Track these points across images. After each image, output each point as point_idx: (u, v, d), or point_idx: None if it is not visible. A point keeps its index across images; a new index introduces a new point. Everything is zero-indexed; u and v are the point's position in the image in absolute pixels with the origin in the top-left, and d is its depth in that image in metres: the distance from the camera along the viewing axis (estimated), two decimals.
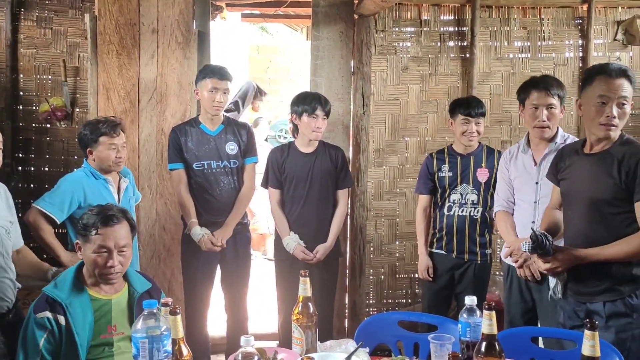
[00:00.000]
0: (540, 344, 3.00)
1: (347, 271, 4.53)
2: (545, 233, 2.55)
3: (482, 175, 3.60)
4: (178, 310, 1.89)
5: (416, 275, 4.33)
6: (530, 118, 3.13)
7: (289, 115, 3.79)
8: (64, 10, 4.29)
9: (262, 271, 5.69)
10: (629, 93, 2.48)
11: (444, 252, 3.67)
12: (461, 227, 3.61)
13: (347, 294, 4.55)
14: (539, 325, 3.17)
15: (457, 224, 3.62)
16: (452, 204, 3.64)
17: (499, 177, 3.42)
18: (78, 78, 4.29)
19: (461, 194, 3.62)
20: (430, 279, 3.70)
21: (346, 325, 4.53)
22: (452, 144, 3.75)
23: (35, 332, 2.30)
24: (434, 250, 3.73)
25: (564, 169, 2.73)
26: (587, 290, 2.57)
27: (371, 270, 4.58)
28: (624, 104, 2.48)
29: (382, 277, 4.61)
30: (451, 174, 3.64)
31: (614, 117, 2.46)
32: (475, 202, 3.60)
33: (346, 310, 4.56)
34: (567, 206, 2.70)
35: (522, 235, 3.11)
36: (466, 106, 3.59)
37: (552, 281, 2.68)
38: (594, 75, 2.54)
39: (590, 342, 1.70)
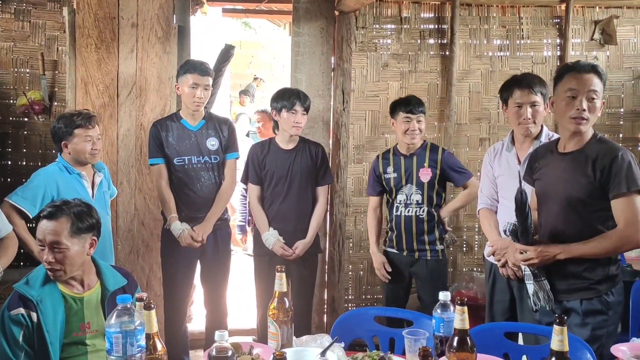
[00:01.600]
0: (521, 340, 3.05)
1: (326, 267, 4.55)
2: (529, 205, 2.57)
3: (425, 175, 3.65)
4: (152, 305, 1.89)
5: None
6: (514, 116, 3.14)
7: (257, 115, 3.79)
8: (42, 3, 4.25)
9: (242, 267, 5.69)
10: (599, 88, 2.50)
11: (396, 251, 3.73)
12: (408, 226, 3.67)
13: (326, 290, 4.57)
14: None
15: (404, 223, 3.68)
16: (398, 205, 3.70)
17: (482, 174, 3.44)
18: (56, 72, 4.26)
19: (406, 195, 3.68)
20: (389, 275, 3.75)
21: (325, 320, 4.55)
22: (397, 145, 3.79)
23: (13, 329, 2.28)
24: (387, 249, 3.79)
25: (538, 169, 2.76)
26: (564, 289, 2.60)
27: (350, 266, 4.61)
28: (593, 98, 2.50)
29: (361, 272, 4.64)
30: (396, 175, 3.70)
31: (584, 110, 2.48)
32: (420, 202, 3.65)
33: (325, 306, 4.58)
34: (543, 205, 2.73)
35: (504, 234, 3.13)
36: (407, 104, 3.63)
37: (530, 288, 2.70)
38: (563, 73, 2.58)
39: (559, 337, 1.73)
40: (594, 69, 2.52)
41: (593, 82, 2.49)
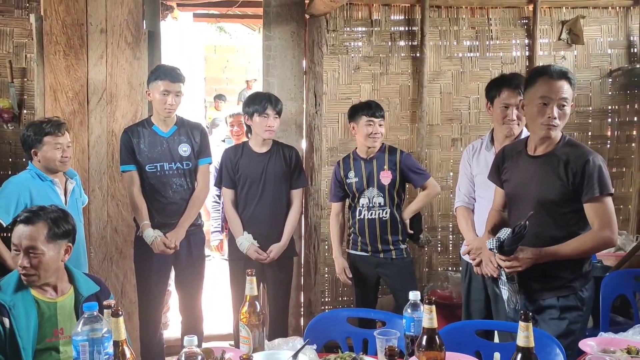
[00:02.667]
0: (497, 338, 3.07)
1: (302, 270, 4.55)
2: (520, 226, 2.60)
3: (386, 177, 3.70)
4: (120, 312, 1.88)
5: None
6: (499, 116, 3.17)
7: (229, 119, 3.79)
8: (9, 10, 4.20)
9: (220, 272, 5.67)
10: (569, 95, 2.56)
11: (361, 253, 3.77)
12: (372, 228, 3.71)
13: (302, 293, 4.57)
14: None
15: (368, 226, 3.71)
16: (361, 208, 3.74)
17: (460, 172, 3.48)
18: (25, 79, 4.20)
19: (369, 198, 3.72)
20: (349, 279, 3.80)
21: (302, 323, 4.55)
22: (356, 149, 3.82)
23: None
24: (352, 251, 3.83)
25: (507, 170, 2.80)
26: (540, 288, 2.64)
27: (326, 269, 4.61)
28: (564, 105, 2.56)
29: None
30: (357, 180, 3.73)
31: (555, 118, 2.54)
32: (382, 204, 3.70)
33: (302, 309, 4.58)
34: (514, 207, 2.77)
35: (481, 232, 3.16)
36: (368, 108, 3.68)
37: (505, 293, 2.73)
38: (536, 76, 2.62)
39: (524, 333, 1.75)
40: (565, 75, 2.57)
41: (564, 90, 2.55)
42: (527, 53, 4.71)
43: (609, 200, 2.54)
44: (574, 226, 2.59)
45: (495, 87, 3.21)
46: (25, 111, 4.21)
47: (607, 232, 2.52)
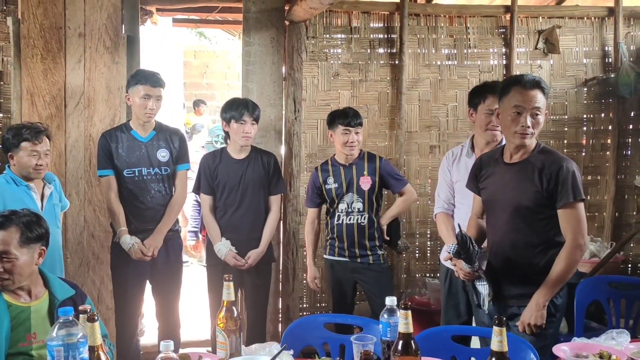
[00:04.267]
0: (477, 344, 3.09)
1: (281, 276, 4.55)
2: (470, 237, 2.66)
3: (365, 183, 3.72)
4: (96, 317, 1.87)
5: None
6: (483, 122, 3.19)
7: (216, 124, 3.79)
8: None
9: (197, 277, 5.65)
10: (542, 104, 2.61)
11: (338, 258, 3.78)
12: (350, 234, 3.73)
13: (280, 299, 4.57)
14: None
15: (346, 231, 3.74)
16: (340, 213, 3.75)
17: (440, 178, 3.50)
18: (1, 83, 4.15)
19: (347, 203, 3.74)
20: (318, 288, 3.84)
21: (280, 329, 4.55)
22: (334, 155, 3.85)
23: None
24: (329, 257, 3.84)
25: (484, 178, 2.84)
26: (516, 293, 2.68)
27: (304, 275, 4.59)
28: (537, 114, 2.60)
29: (316, 281, 4.64)
30: (337, 185, 3.75)
31: (529, 127, 2.58)
32: (361, 209, 3.72)
33: (280, 315, 4.58)
34: (491, 214, 2.81)
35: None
36: (345, 117, 3.69)
37: (482, 292, 2.77)
38: (510, 86, 2.66)
39: (498, 338, 1.77)
40: (538, 85, 2.61)
41: (537, 99, 2.59)
42: (504, 62, 4.77)
43: (581, 206, 2.59)
44: (550, 232, 2.63)
45: (479, 94, 3.23)
46: (1, 115, 4.16)
47: (580, 241, 2.57)
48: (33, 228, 2.43)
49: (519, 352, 2.35)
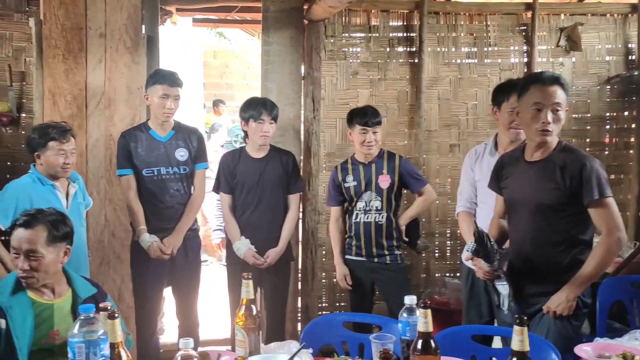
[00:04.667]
0: (499, 344, 3.07)
1: (299, 275, 4.55)
2: (488, 235, 2.63)
3: (384, 181, 3.69)
4: (116, 315, 1.88)
5: None
6: (507, 120, 3.15)
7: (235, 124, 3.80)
8: (9, 14, 4.21)
9: (217, 277, 5.65)
10: (562, 100, 2.57)
11: (356, 257, 3.76)
12: (367, 232, 3.70)
13: (299, 298, 4.57)
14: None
15: (363, 230, 3.71)
16: (358, 212, 3.73)
17: (462, 177, 3.47)
18: (24, 83, 4.21)
19: (365, 202, 3.71)
20: (350, 286, 3.79)
21: (299, 328, 4.55)
22: (354, 154, 3.82)
23: None
24: (347, 256, 3.81)
25: (505, 177, 2.81)
26: (538, 291, 2.66)
27: (323, 274, 4.61)
28: (557, 110, 2.56)
29: (335, 280, 4.60)
30: (356, 184, 3.72)
31: (549, 123, 2.55)
32: (379, 208, 3.69)
33: (299, 314, 4.58)
34: (512, 213, 2.78)
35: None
36: (362, 116, 3.66)
37: (501, 291, 2.75)
38: (529, 83, 2.63)
39: (519, 337, 1.75)
40: (557, 81, 2.58)
41: (557, 95, 2.56)
42: (525, 59, 4.72)
43: (610, 201, 2.55)
44: (572, 230, 2.60)
45: (503, 92, 3.19)
46: (23, 115, 4.22)
47: (616, 234, 2.53)
48: (59, 227, 2.46)
49: (540, 352, 2.32)
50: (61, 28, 3.94)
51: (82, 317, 1.87)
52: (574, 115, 4.70)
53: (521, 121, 2.70)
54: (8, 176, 4.08)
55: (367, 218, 3.70)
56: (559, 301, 2.57)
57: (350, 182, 3.73)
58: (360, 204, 3.71)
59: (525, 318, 1.78)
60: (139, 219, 3.61)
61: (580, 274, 2.57)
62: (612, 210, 2.55)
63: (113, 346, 1.87)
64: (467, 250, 2.71)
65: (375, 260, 3.71)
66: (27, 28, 4.13)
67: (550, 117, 2.55)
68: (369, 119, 3.63)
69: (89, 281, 2.62)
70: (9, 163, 4.26)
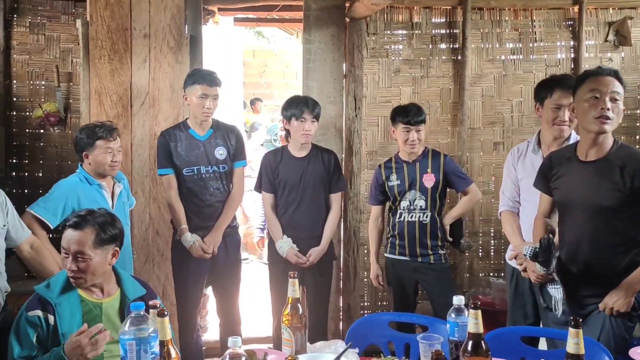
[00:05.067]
0: (544, 345, 3.01)
1: (341, 274, 4.53)
2: (554, 243, 2.55)
3: (429, 180, 3.64)
4: (166, 312, 1.89)
5: None
6: (550, 117, 3.07)
7: (281, 121, 3.80)
8: (56, 16, 4.32)
9: (257, 275, 5.69)
10: (621, 90, 2.49)
11: (399, 257, 3.72)
12: (411, 231, 3.66)
13: (341, 297, 4.56)
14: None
15: (407, 229, 3.67)
16: (402, 211, 3.69)
17: (505, 175, 3.40)
18: (71, 83, 4.31)
19: (410, 201, 3.67)
20: (381, 286, 3.79)
21: (341, 327, 4.54)
22: (398, 152, 3.78)
23: (27, 329, 2.32)
24: (390, 255, 3.78)
25: (556, 177, 2.72)
26: (594, 293, 2.58)
27: (365, 273, 4.59)
28: (617, 99, 2.47)
29: (379, 278, 4.61)
30: (399, 182, 3.68)
31: (608, 109, 2.45)
32: (423, 207, 3.65)
33: (341, 313, 4.57)
34: (566, 214, 2.70)
35: (527, 237, 3.09)
36: (405, 114, 3.61)
37: (555, 295, 2.68)
38: (584, 78, 2.57)
39: (574, 340, 1.71)
40: (615, 74, 2.51)
41: (615, 84, 2.48)
42: (572, 55, 4.62)
43: None
44: (632, 231, 2.52)
45: (546, 88, 3.10)
46: (71, 115, 4.32)
47: None
48: (107, 229, 2.47)
49: (593, 355, 2.26)
50: (107, 29, 4.00)
51: (132, 315, 1.89)
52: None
53: (577, 115, 2.61)
54: (56, 175, 4.19)
55: (412, 217, 3.67)
56: (617, 297, 2.49)
57: (394, 180, 3.70)
58: (404, 203, 3.68)
59: (581, 320, 1.74)
60: (180, 218, 3.64)
61: (632, 278, 2.49)
62: None
63: (163, 344, 1.89)
64: (525, 255, 2.63)
65: (419, 259, 3.67)
66: (74, 30, 4.22)
67: (609, 103, 2.45)
68: (411, 118, 3.59)
69: (138, 281, 2.64)
70: (56, 162, 4.37)
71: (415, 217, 3.66)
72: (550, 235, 2.60)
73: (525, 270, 2.96)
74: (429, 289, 3.70)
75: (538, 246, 2.56)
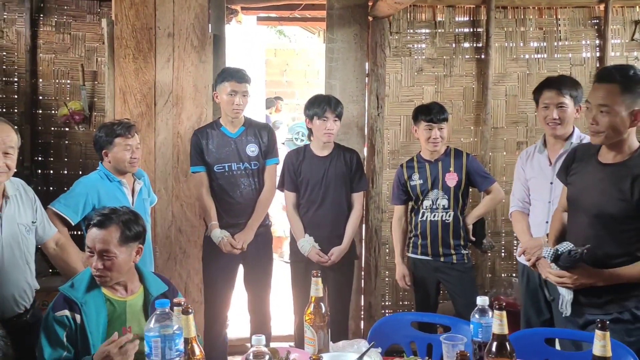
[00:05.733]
0: (556, 345, 2.98)
1: (363, 273, 4.53)
2: (576, 252, 2.46)
3: (451, 179, 3.63)
4: (190, 310, 1.91)
5: None
6: (541, 116, 3.19)
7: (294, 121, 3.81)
8: (82, 16, 4.37)
9: (278, 273, 5.69)
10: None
11: (422, 256, 3.71)
12: (434, 231, 3.65)
13: (362, 296, 4.55)
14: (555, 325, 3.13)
15: (430, 228, 3.66)
16: (424, 210, 3.68)
17: (515, 177, 3.45)
18: (96, 82, 4.36)
19: (432, 200, 3.66)
20: (408, 286, 3.77)
21: (362, 327, 4.54)
22: (420, 152, 3.77)
23: (57, 329, 2.34)
24: (412, 255, 3.76)
25: (574, 172, 2.67)
26: (592, 302, 2.52)
27: (387, 272, 4.58)
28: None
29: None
30: (422, 182, 3.67)
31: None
32: (446, 206, 3.64)
33: (362, 312, 4.57)
34: (572, 213, 2.66)
35: (537, 235, 3.15)
36: (427, 112, 3.60)
37: (565, 295, 2.64)
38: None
39: (601, 342, 1.70)
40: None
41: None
42: (597, 54, 4.56)
43: None
44: (633, 245, 2.41)
45: (538, 90, 3.23)
46: (95, 113, 4.37)
47: None
48: (132, 227, 2.49)
49: (618, 357, 2.23)
50: (132, 28, 4.04)
51: (157, 312, 1.91)
52: None
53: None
54: (81, 173, 4.24)
55: (434, 217, 3.66)
56: (588, 275, 2.44)
57: (416, 180, 3.69)
58: (427, 202, 3.67)
59: (608, 322, 1.72)
60: (211, 215, 3.69)
61: (619, 272, 2.40)
62: None
63: (187, 341, 1.91)
64: (544, 256, 2.59)
65: (442, 259, 3.66)
66: (99, 29, 4.26)
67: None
68: (434, 116, 3.58)
69: (160, 278, 2.66)
70: (81, 160, 4.42)
71: (437, 217, 3.65)
72: (573, 248, 2.48)
73: (534, 265, 2.98)
74: (451, 288, 3.69)
75: (562, 250, 2.46)
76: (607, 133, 2.41)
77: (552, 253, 2.48)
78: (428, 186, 3.66)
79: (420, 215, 3.70)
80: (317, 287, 2.31)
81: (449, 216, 3.64)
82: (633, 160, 2.43)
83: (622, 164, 2.44)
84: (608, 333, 1.70)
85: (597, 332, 1.70)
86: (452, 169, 3.64)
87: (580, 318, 2.57)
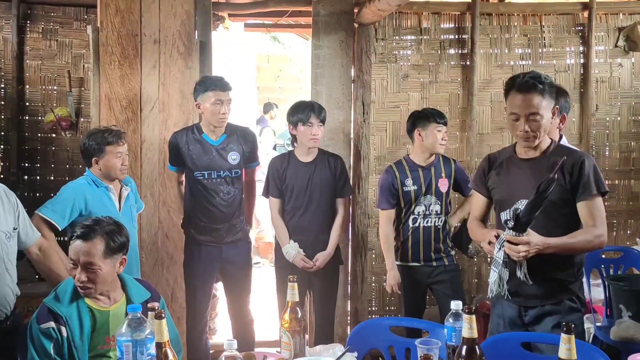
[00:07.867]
0: None
1: (349, 278, 4.54)
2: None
3: (443, 185, 3.68)
4: (163, 315, 1.92)
5: None
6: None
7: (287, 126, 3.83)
8: (68, 22, 4.39)
9: (269, 279, 5.69)
10: (538, 104, 2.52)
11: (412, 264, 3.72)
12: (427, 237, 3.68)
13: (349, 301, 4.57)
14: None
15: (423, 235, 3.68)
16: (417, 216, 3.69)
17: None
18: (83, 88, 4.38)
19: (425, 206, 3.68)
20: (400, 293, 3.75)
21: (348, 332, 4.54)
22: (408, 155, 3.78)
23: (44, 342, 2.33)
24: (401, 263, 3.74)
25: (493, 178, 2.75)
26: (537, 293, 2.62)
27: (373, 277, 4.60)
28: (534, 116, 2.54)
29: (384, 284, 4.59)
30: (416, 187, 3.68)
31: (527, 131, 2.54)
32: (438, 212, 3.68)
33: (349, 318, 4.58)
34: (505, 211, 2.66)
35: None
36: (440, 115, 3.66)
37: (493, 276, 2.65)
38: (507, 90, 2.62)
39: (566, 346, 1.71)
40: (531, 85, 2.53)
41: (530, 103, 2.53)
42: (582, 61, 4.61)
43: (601, 199, 2.60)
44: (573, 226, 2.59)
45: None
46: (82, 119, 4.38)
47: (602, 230, 2.56)
48: (116, 238, 2.47)
49: (588, 358, 2.25)
50: (117, 35, 4.05)
51: (129, 317, 1.92)
52: (632, 118, 4.52)
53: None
54: (67, 179, 4.23)
55: (427, 222, 3.68)
56: (537, 241, 2.46)
57: (410, 185, 3.68)
58: (420, 208, 3.68)
59: (572, 325, 1.74)
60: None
61: (561, 241, 2.52)
62: (602, 207, 2.60)
63: (160, 345, 1.91)
64: (507, 219, 2.53)
65: (434, 264, 3.69)
66: (85, 35, 4.27)
67: (526, 126, 2.54)
68: (444, 118, 3.68)
69: (142, 284, 2.65)
70: (68, 166, 4.43)
71: (431, 222, 3.68)
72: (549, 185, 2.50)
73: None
74: (443, 290, 3.67)
75: (520, 207, 2.51)
76: (539, 135, 2.58)
77: (512, 212, 2.48)
78: (422, 192, 3.68)
79: (411, 221, 3.70)
80: (293, 292, 2.32)
81: (441, 221, 3.69)
82: (552, 151, 2.63)
83: (543, 156, 2.63)
84: (573, 336, 1.72)
85: (563, 336, 1.72)
86: (443, 174, 3.68)
87: (525, 312, 2.67)
